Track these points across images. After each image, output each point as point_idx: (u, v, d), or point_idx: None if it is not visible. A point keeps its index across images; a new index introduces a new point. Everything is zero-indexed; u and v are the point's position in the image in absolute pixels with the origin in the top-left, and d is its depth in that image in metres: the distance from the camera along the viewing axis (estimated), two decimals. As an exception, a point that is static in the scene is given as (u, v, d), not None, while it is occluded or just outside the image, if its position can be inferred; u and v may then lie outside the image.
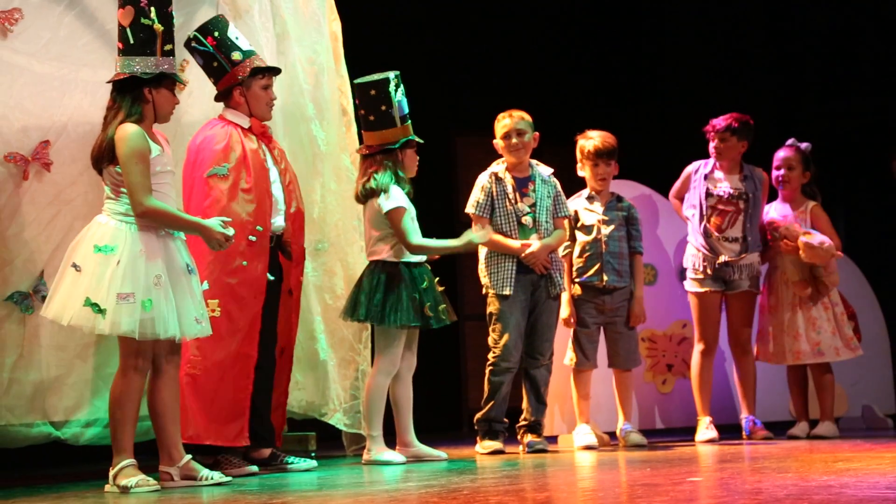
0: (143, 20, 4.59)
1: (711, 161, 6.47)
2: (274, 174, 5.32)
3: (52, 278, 5.12)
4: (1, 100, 5.08)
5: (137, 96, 4.61)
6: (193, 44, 5.28)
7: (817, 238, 6.29)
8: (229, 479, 4.75)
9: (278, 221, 5.29)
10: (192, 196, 5.18)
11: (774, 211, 6.57)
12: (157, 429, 4.69)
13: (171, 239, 4.63)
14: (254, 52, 5.36)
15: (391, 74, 5.60)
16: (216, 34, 5.27)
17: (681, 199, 6.56)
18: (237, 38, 5.32)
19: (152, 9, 4.61)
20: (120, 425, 4.54)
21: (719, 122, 6.43)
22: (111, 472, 4.55)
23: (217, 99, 5.39)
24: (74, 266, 4.50)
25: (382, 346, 5.56)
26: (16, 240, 5.10)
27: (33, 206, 5.14)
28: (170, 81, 4.68)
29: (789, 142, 6.57)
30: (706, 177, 6.43)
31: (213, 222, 4.66)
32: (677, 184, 6.58)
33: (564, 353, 6.24)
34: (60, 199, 5.20)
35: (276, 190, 5.30)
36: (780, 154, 6.56)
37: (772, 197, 6.67)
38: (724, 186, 6.41)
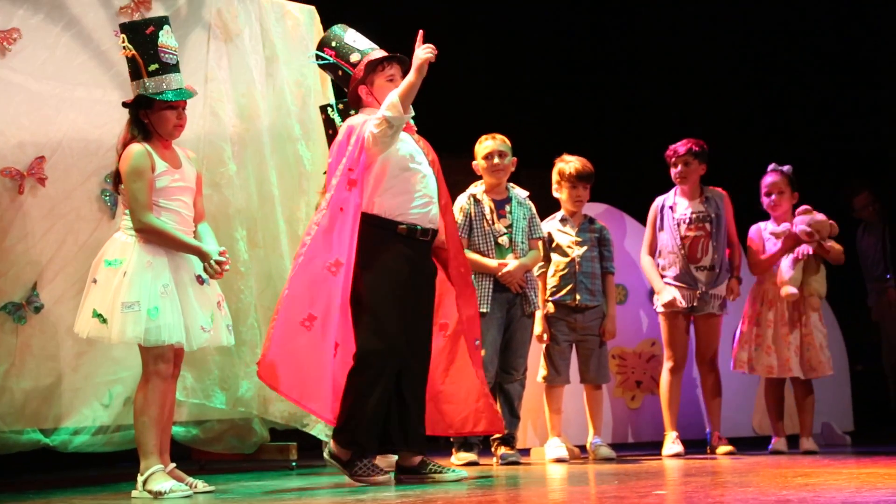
0: (122, 48, 4.70)
1: (672, 191, 6.63)
2: (426, 166, 5.11)
3: (44, 290, 5.25)
4: (-2, 117, 5.18)
5: (135, 118, 4.71)
6: (318, 61, 5.21)
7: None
8: (212, 487, 4.77)
9: (434, 210, 5.07)
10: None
11: (770, 228, 6.64)
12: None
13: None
14: (371, 49, 5.15)
15: (331, 100, 5.74)
16: (334, 44, 5.16)
17: (653, 252, 6.62)
18: (355, 41, 5.15)
19: (123, 36, 4.69)
20: (146, 430, 4.58)
21: (680, 147, 6.58)
22: (140, 478, 4.57)
23: (352, 106, 5.22)
24: (94, 281, 4.61)
25: None
26: (10, 252, 5.18)
27: (28, 220, 5.22)
28: (163, 101, 4.68)
29: (771, 167, 6.67)
30: (671, 207, 6.59)
31: (211, 249, 4.70)
32: (648, 234, 6.64)
33: (538, 370, 6.38)
34: (54, 214, 5.29)
35: (431, 182, 5.11)
36: (767, 180, 6.66)
37: (745, 215, 6.82)
38: (687, 211, 6.56)
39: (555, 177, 6.43)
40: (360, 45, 5.14)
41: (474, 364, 5.23)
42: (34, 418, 5.24)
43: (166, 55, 4.70)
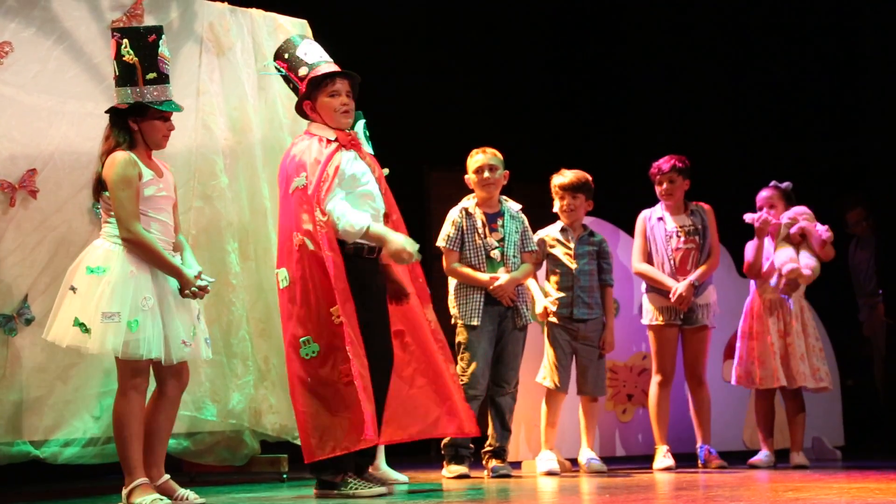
0: (121, 52, 4.65)
1: (658, 205, 6.67)
2: (372, 184, 5.07)
3: (35, 302, 5.24)
4: (-10, 129, 5.19)
5: (123, 126, 4.67)
6: (272, 73, 5.22)
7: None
8: (203, 500, 4.75)
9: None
10: (283, 215, 5.00)
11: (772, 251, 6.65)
12: (145, 447, 4.69)
13: None
14: (321, 62, 5.07)
15: None
16: (286, 55, 5.10)
17: (646, 260, 6.61)
18: (306, 54, 5.09)
19: (125, 41, 4.64)
20: (127, 444, 4.55)
21: (664, 164, 6.60)
22: (124, 492, 4.55)
23: (303, 116, 5.19)
24: (72, 288, 4.55)
25: None
26: (1, 264, 5.17)
27: (19, 232, 5.22)
28: (157, 110, 4.66)
29: (771, 183, 6.72)
30: (660, 219, 6.62)
31: (190, 273, 4.65)
32: (638, 242, 6.64)
33: (536, 380, 6.38)
34: (46, 226, 5.29)
35: (378, 200, 5.08)
36: (763, 194, 6.71)
37: (737, 232, 6.84)
38: (677, 225, 6.58)
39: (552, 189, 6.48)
40: (309, 58, 5.09)
41: (442, 364, 5.23)
42: (24, 430, 5.22)
43: (164, 65, 4.70)
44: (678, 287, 6.47)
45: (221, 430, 5.91)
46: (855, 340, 8.03)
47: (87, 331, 4.49)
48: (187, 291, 4.64)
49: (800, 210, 6.68)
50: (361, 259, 4.99)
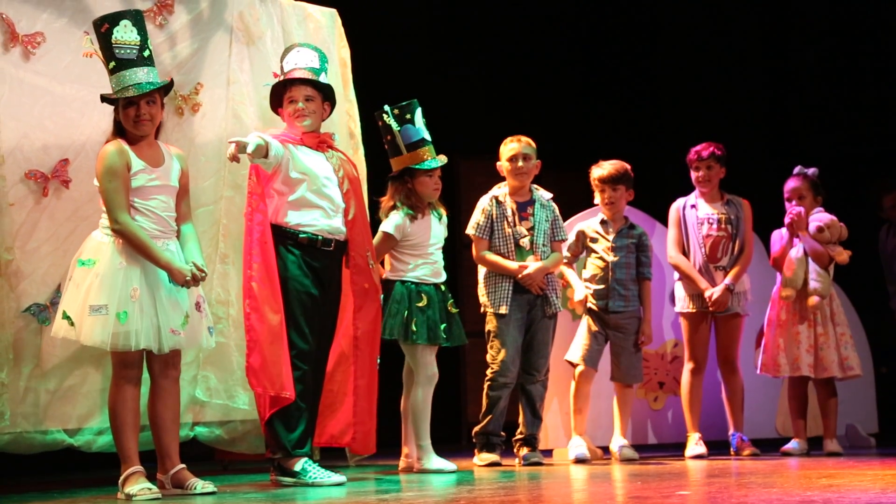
0: (94, 48, 4.80)
1: (693, 193, 6.64)
2: (329, 179, 5.18)
3: (68, 291, 5.31)
4: (23, 119, 5.20)
5: (115, 116, 4.77)
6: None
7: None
8: (215, 489, 4.77)
9: (335, 222, 5.18)
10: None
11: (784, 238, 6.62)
12: (154, 438, 4.80)
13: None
14: (291, 69, 5.25)
15: (386, 106, 5.79)
16: (281, 66, 5.33)
17: (681, 251, 6.57)
18: (287, 63, 5.29)
19: (90, 37, 4.78)
20: (120, 434, 4.63)
21: (703, 151, 6.57)
22: (119, 480, 4.62)
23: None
24: (71, 280, 4.66)
25: (408, 361, 5.81)
26: (34, 254, 5.20)
27: (52, 222, 5.24)
28: (126, 99, 4.70)
29: (796, 170, 6.63)
30: (693, 206, 6.59)
31: (183, 267, 4.64)
32: (672, 233, 6.60)
33: (565, 370, 6.38)
34: (78, 216, 5.30)
35: (334, 193, 5.19)
36: (790, 185, 6.63)
37: (765, 222, 6.81)
38: (710, 212, 6.56)
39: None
40: (286, 67, 5.27)
41: (369, 380, 5.30)
42: (58, 418, 5.26)
43: (121, 51, 4.72)
44: (714, 292, 6.43)
45: (253, 419, 5.89)
46: (889, 328, 7.96)
47: (73, 324, 4.56)
48: (175, 282, 4.65)
49: (825, 218, 6.57)
50: (316, 250, 5.10)
